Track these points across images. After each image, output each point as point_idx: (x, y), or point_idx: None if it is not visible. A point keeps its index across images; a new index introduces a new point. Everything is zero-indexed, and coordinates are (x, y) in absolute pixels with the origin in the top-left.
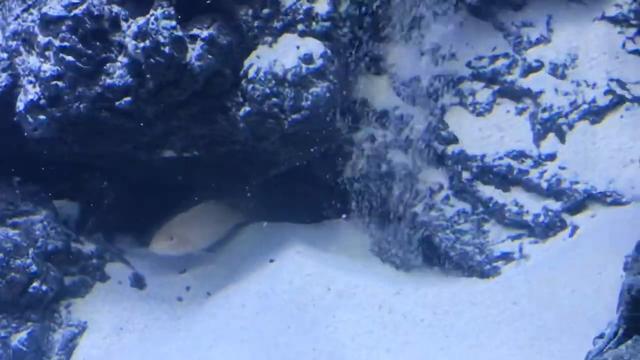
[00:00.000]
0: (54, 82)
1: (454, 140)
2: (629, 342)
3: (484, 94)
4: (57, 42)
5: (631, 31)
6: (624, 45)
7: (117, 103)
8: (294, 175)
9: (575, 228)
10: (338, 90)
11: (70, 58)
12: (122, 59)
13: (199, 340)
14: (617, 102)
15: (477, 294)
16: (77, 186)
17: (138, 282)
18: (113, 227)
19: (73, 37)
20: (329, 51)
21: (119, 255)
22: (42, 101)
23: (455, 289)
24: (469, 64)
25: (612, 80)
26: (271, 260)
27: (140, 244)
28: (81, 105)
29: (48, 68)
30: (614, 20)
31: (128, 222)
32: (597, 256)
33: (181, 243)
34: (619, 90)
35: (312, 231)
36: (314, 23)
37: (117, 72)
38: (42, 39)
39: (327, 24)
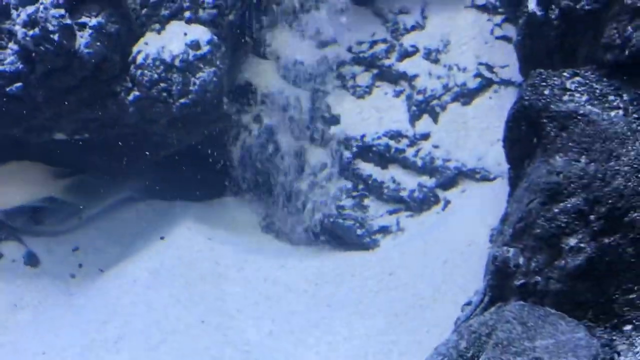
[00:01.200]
0: None
1: (336, 121)
2: (493, 309)
3: (364, 77)
4: None
5: (498, 18)
6: (492, 32)
7: (7, 89)
8: (184, 156)
9: (447, 202)
10: (225, 75)
11: None
12: (12, 46)
13: (91, 315)
14: (486, 84)
15: (357, 266)
16: None
17: (31, 259)
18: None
19: None
20: (215, 37)
21: (13, 234)
22: None
23: (337, 262)
24: (349, 49)
25: (481, 64)
26: (162, 238)
27: (35, 223)
28: None
29: None
30: (482, 8)
31: None
32: (466, 229)
33: None
34: (487, 74)
35: (202, 209)
36: (200, 10)
37: (7, 59)
38: None
39: (214, 11)
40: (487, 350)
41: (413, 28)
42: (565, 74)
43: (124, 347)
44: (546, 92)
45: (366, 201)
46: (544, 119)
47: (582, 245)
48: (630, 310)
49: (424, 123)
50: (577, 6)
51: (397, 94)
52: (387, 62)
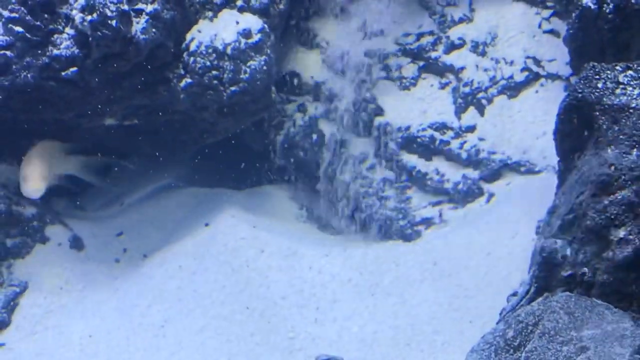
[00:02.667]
0: (3, 52)
1: (381, 112)
2: (540, 299)
3: (409, 69)
4: (6, 13)
5: (547, 12)
6: (540, 25)
7: (63, 73)
8: (229, 144)
9: (491, 195)
10: (274, 64)
11: (19, 29)
12: (69, 30)
13: (136, 300)
14: (533, 78)
15: (400, 256)
16: (16, 151)
17: (77, 244)
18: (51, 190)
19: (22, 8)
20: (266, 26)
21: (58, 218)
22: None
23: (380, 251)
24: (396, 41)
25: (528, 57)
26: (206, 224)
27: (75, 207)
28: (29, 75)
29: None
30: (531, 2)
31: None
32: (511, 221)
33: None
34: (534, 68)
35: (246, 197)
36: (252, 0)
37: (64, 44)
38: None
39: (265, 0)
40: (534, 339)
41: (461, 20)
42: (618, 67)
43: (169, 331)
44: (599, 85)
45: (409, 192)
46: (596, 112)
47: (630, 237)
48: None
49: (470, 115)
50: (633, 1)
51: (443, 86)
52: (433, 54)
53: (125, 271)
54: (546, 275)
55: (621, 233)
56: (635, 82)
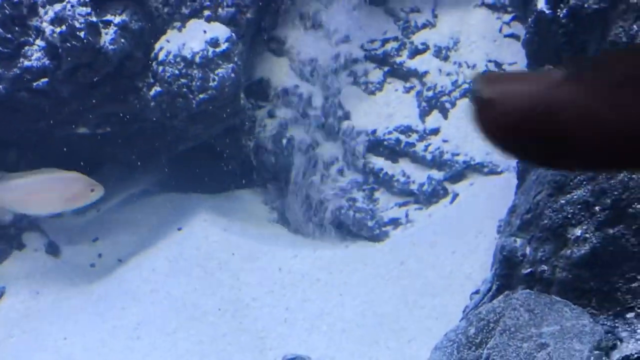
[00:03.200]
0: None
1: (348, 116)
2: (501, 297)
3: (375, 74)
4: None
5: (507, 17)
6: (501, 30)
7: (34, 84)
8: (200, 150)
9: (455, 195)
10: (242, 71)
11: None
12: (39, 42)
13: (111, 303)
14: None
15: (368, 256)
16: None
17: (53, 249)
18: None
19: None
20: (233, 35)
21: (35, 225)
22: None
23: (348, 251)
24: (362, 47)
25: (490, 61)
26: (179, 229)
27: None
28: (0, 86)
29: None
30: (492, 7)
31: None
32: (474, 220)
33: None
34: (496, 71)
35: (218, 201)
36: (219, 9)
37: (34, 55)
38: None
39: (232, 9)
40: (495, 336)
41: (424, 26)
42: None
43: (143, 333)
44: None
45: (377, 194)
46: None
47: (587, 235)
48: (633, 298)
49: (434, 118)
50: (585, 5)
51: (408, 90)
52: (398, 59)
53: (100, 275)
54: (507, 273)
55: (578, 231)
56: None
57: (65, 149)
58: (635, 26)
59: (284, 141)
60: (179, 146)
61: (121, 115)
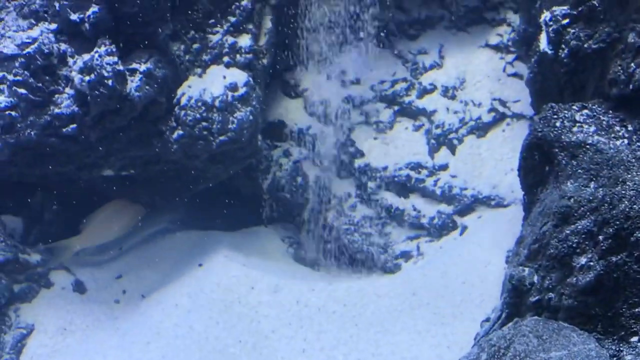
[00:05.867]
0: (8, 112)
1: (360, 154)
2: (510, 324)
3: (385, 113)
4: (10, 77)
5: (510, 57)
6: (504, 69)
7: (64, 130)
8: (218, 189)
9: (464, 228)
10: (259, 114)
11: (22, 91)
12: (68, 90)
13: (136, 337)
14: (499, 118)
15: (381, 287)
16: (20, 203)
17: (79, 287)
18: (53, 238)
19: (25, 72)
20: (251, 80)
21: (61, 264)
22: None
23: (363, 284)
24: (372, 88)
25: (494, 99)
26: (200, 265)
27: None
28: (32, 132)
29: (2, 100)
30: (495, 48)
31: (67, 233)
32: (483, 252)
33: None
34: (500, 108)
35: (237, 238)
36: (238, 55)
37: (64, 103)
38: None
39: (250, 56)
40: None
41: (431, 67)
42: (574, 107)
43: None
44: (557, 124)
45: (388, 228)
46: (555, 149)
47: (591, 263)
48: (637, 323)
49: (442, 155)
50: (585, 45)
51: (417, 129)
52: (407, 99)
53: (124, 311)
54: (516, 301)
55: (582, 260)
56: (590, 120)
57: (89, 191)
58: (633, 64)
59: (299, 179)
60: (199, 186)
61: (144, 157)
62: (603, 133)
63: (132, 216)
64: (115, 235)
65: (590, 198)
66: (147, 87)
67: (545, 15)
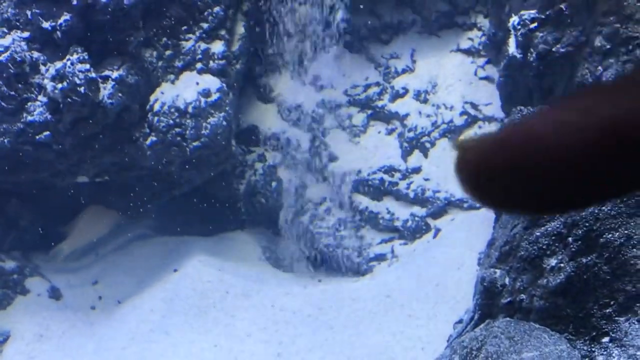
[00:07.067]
0: None
1: (334, 158)
2: (482, 325)
3: (359, 117)
4: None
5: (481, 60)
6: (476, 73)
7: (37, 137)
8: (193, 194)
9: (438, 230)
10: (233, 119)
11: None
12: (41, 98)
13: (112, 343)
14: (471, 121)
15: (356, 290)
16: None
17: (55, 293)
18: (29, 245)
19: None
20: (224, 86)
21: (36, 270)
22: None
23: (337, 287)
24: (345, 92)
25: (466, 102)
26: (175, 270)
27: (53, 259)
28: (5, 140)
29: None
30: (467, 52)
31: (42, 240)
32: (456, 254)
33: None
34: (472, 112)
35: (212, 243)
36: (210, 62)
37: (37, 110)
38: None
39: (222, 62)
40: None
41: (403, 71)
42: None
43: None
44: None
45: (363, 231)
46: None
47: (562, 265)
48: (607, 324)
49: (415, 158)
50: (553, 49)
51: (390, 132)
52: (380, 103)
53: (100, 317)
54: (488, 303)
55: (553, 261)
56: None
57: (64, 198)
58: (600, 67)
59: (274, 184)
60: (174, 191)
61: (119, 164)
62: None
63: (109, 220)
64: (99, 234)
65: None
66: (119, 94)
67: (514, 19)
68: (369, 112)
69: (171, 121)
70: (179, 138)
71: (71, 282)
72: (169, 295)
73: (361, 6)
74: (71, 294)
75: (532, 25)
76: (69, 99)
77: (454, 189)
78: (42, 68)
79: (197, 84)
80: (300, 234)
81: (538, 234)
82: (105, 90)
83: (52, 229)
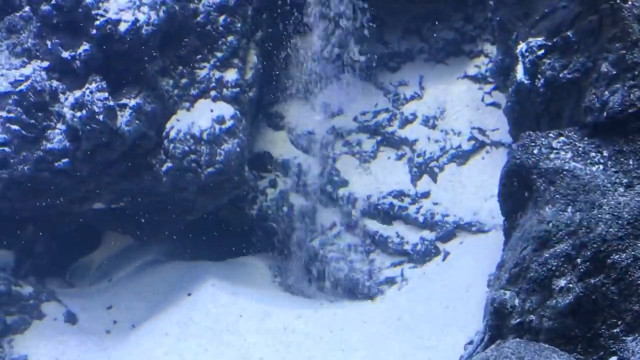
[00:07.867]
0: (1, 148)
1: (345, 183)
2: (493, 346)
3: (368, 143)
4: (3, 114)
5: (488, 87)
6: (483, 99)
7: (56, 164)
8: (206, 219)
9: (447, 254)
10: (246, 145)
11: (15, 127)
12: (60, 126)
13: None
14: (479, 146)
15: (367, 313)
16: (11, 236)
17: (71, 318)
18: (44, 271)
19: (18, 109)
20: (238, 113)
21: (52, 296)
22: None
23: (348, 310)
24: (355, 119)
25: (474, 128)
26: (189, 294)
27: (68, 285)
28: (25, 167)
29: None
30: (474, 79)
31: (57, 266)
32: (465, 276)
33: None
34: (480, 137)
35: (224, 267)
36: (224, 89)
37: (56, 138)
38: None
39: (236, 89)
40: None
41: (412, 98)
42: (551, 134)
43: None
44: (535, 151)
45: (373, 255)
46: (534, 175)
47: (570, 285)
48: (615, 343)
49: (424, 183)
50: (560, 75)
51: (399, 158)
52: (389, 129)
53: (115, 341)
54: (498, 324)
55: (562, 282)
56: (567, 146)
57: (80, 224)
58: (607, 92)
59: (285, 209)
60: (188, 217)
61: (134, 190)
62: (579, 159)
63: (122, 245)
64: (113, 259)
65: (568, 222)
66: (137, 121)
67: (522, 46)
68: (379, 138)
69: (187, 148)
70: (194, 164)
71: (86, 307)
72: (183, 319)
73: (369, 35)
74: (86, 319)
75: (540, 52)
76: (87, 127)
77: (463, 212)
78: (62, 97)
79: (212, 111)
80: (310, 258)
81: (547, 255)
82: (123, 118)
83: (67, 255)
